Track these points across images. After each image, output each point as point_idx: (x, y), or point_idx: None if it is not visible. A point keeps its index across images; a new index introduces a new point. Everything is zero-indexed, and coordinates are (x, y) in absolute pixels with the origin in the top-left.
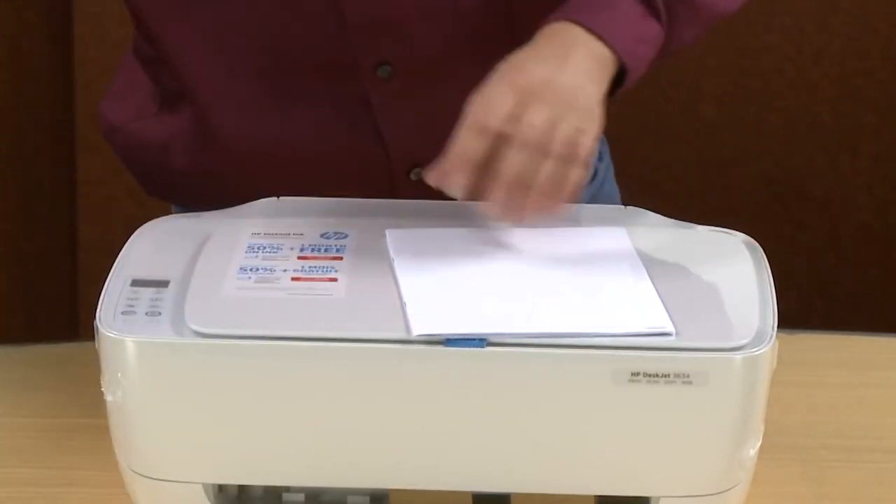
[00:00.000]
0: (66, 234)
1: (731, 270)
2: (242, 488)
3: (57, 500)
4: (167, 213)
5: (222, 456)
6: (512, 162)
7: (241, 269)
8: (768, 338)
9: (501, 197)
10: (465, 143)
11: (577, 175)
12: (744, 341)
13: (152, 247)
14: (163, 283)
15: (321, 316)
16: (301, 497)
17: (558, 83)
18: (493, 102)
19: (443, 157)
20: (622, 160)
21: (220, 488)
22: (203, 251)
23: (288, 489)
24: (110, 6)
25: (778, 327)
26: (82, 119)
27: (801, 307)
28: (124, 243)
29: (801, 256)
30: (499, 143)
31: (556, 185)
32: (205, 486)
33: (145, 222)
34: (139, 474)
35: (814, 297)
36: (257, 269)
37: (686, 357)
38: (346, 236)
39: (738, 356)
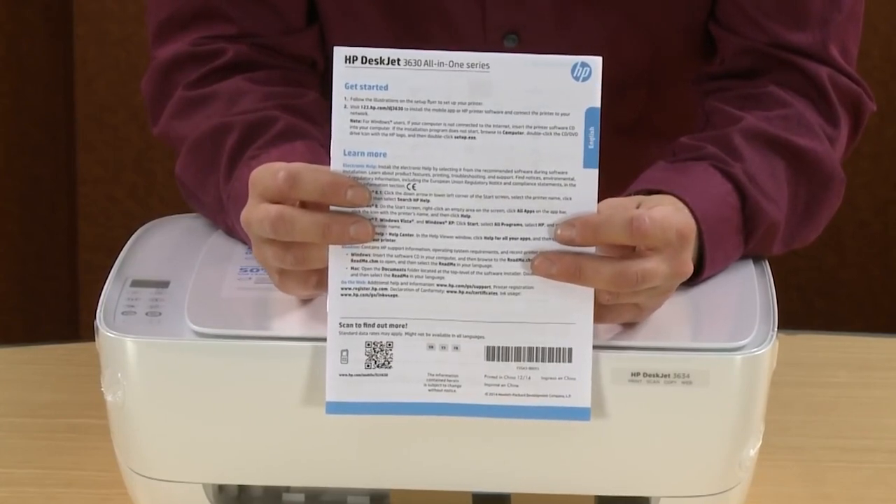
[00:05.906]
0: (66, 234)
1: (732, 270)
2: (242, 488)
3: (57, 500)
4: (167, 213)
5: (222, 456)
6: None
7: (241, 269)
8: (768, 338)
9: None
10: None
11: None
12: (744, 341)
13: (152, 247)
14: (163, 284)
15: (322, 316)
16: (301, 497)
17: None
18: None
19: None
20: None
21: (220, 488)
22: (203, 251)
23: (288, 489)
24: (110, 6)
25: (778, 327)
26: (82, 119)
27: (801, 307)
28: (124, 243)
29: (801, 256)
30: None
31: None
32: (205, 486)
33: (145, 222)
34: (139, 474)
35: (814, 297)
36: (257, 270)
37: (686, 357)
38: None
39: (738, 356)
